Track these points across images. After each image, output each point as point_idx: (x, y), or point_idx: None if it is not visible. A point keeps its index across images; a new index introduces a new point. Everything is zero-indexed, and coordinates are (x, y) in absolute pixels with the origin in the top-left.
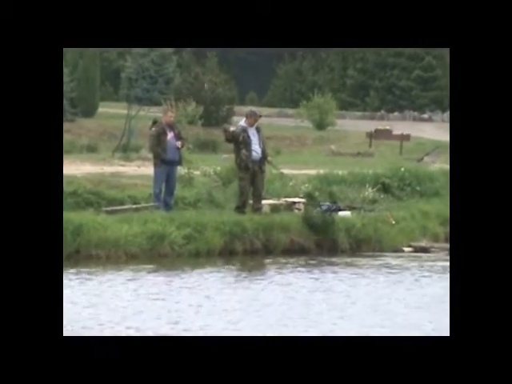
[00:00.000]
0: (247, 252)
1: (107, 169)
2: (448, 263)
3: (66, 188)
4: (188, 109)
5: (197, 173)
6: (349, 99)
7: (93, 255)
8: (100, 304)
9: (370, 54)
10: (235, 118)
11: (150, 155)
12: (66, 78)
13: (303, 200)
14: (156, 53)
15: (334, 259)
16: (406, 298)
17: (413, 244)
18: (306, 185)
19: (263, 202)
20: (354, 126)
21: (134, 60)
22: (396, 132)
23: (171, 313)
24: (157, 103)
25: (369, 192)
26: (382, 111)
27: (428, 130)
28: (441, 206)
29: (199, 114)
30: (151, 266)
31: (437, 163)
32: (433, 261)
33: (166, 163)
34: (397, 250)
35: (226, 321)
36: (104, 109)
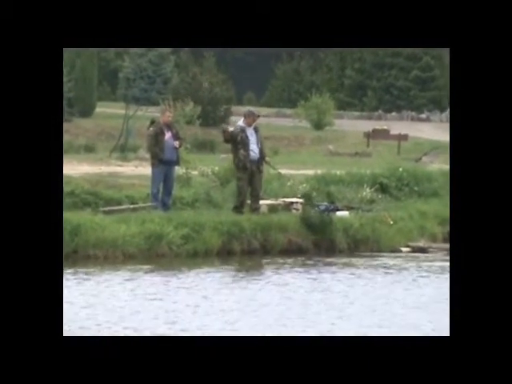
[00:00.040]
0: (245, 252)
1: (105, 169)
2: (446, 263)
3: (64, 188)
4: (186, 109)
5: (195, 173)
6: (347, 99)
7: (90, 255)
8: (97, 304)
9: (368, 54)
10: (233, 118)
11: (148, 155)
12: (63, 78)
13: (301, 200)
14: (154, 53)
15: (331, 259)
16: (404, 298)
17: (411, 244)
18: (304, 185)
19: (261, 202)
20: (352, 125)
21: (131, 60)
22: (394, 132)
23: (168, 313)
24: (155, 103)
25: (367, 192)
26: (380, 111)
27: (426, 130)
28: (439, 207)
29: (197, 114)
30: (149, 266)
31: (435, 163)
32: (431, 261)
33: (163, 163)
34: (395, 250)
35: (224, 321)
36: (102, 109)
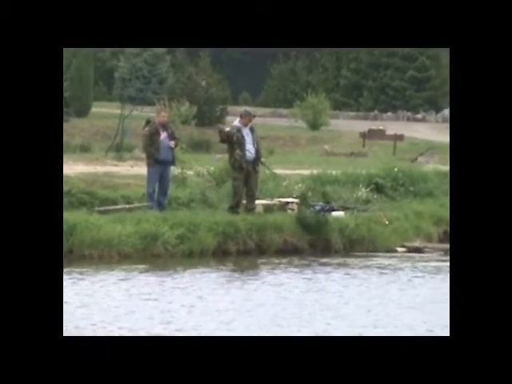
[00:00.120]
0: (240, 252)
1: (100, 169)
2: (441, 264)
3: None
4: (181, 109)
5: (190, 173)
6: (342, 99)
7: (86, 255)
8: (92, 304)
9: (364, 54)
10: (229, 118)
11: (144, 155)
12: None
13: (297, 200)
14: (149, 53)
15: (327, 259)
16: (399, 299)
17: (406, 244)
18: (300, 185)
19: (257, 202)
20: (348, 126)
21: (127, 60)
22: (389, 132)
23: (164, 313)
24: (150, 103)
25: (362, 192)
26: (376, 111)
27: (422, 130)
28: (434, 207)
29: (193, 114)
30: (144, 266)
31: (430, 163)
32: (426, 261)
33: (159, 163)
34: (390, 250)
35: (219, 321)
36: (97, 108)
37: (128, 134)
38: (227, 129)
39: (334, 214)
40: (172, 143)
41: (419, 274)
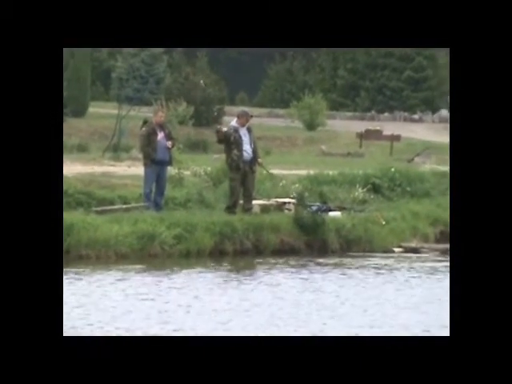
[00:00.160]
0: (237, 252)
1: (97, 169)
2: (437, 264)
3: None
4: (179, 109)
5: (187, 173)
6: (339, 99)
7: (83, 255)
8: (89, 304)
9: (361, 54)
10: (226, 119)
11: (141, 155)
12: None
13: (293, 200)
14: (146, 53)
15: (324, 259)
16: (396, 299)
17: (403, 244)
18: (297, 185)
19: (253, 202)
20: (345, 126)
21: (124, 60)
22: (386, 132)
23: (161, 313)
24: (147, 103)
25: (359, 192)
26: (373, 112)
27: (418, 130)
28: (431, 207)
29: (190, 114)
30: (141, 266)
31: (427, 164)
32: (422, 261)
33: (156, 163)
34: (387, 250)
35: (216, 321)
36: (94, 109)
37: (125, 134)
38: (224, 129)
39: (331, 214)
40: (169, 143)
41: (416, 275)
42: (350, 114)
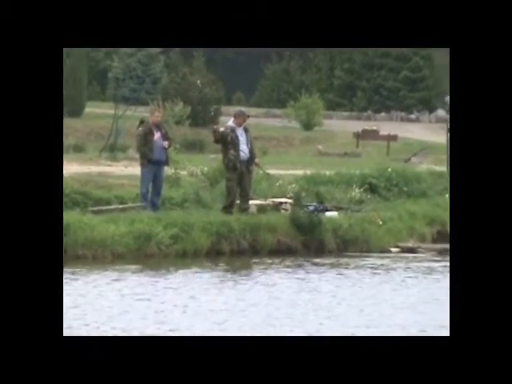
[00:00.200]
0: (234, 252)
1: (94, 169)
2: (434, 264)
3: None
4: (175, 109)
5: (184, 173)
6: (336, 99)
7: (79, 255)
8: (85, 304)
9: (357, 54)
10: (223, 119)
11: (137, 155)
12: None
13: (290, 200)
14: (143, 53)
15: (320, 260)
16: (392, 299)
17: (400, 244)
18: (293, 185)
19: (250, 202)
20: (341, 126)
21: (120, 60)
22: (383, 132)
23: (157, 313)
24: (144, 103)
25: (356, 192)
26: (369, 111)
27: (415, 130)
28: (428, 207)
29: (186, 114)
30: (137, 266)
31: (424, 164)
32: (419, 261)
33: (152, 163)
34: (384, 250)
35: (212, 321)
36: (91, 108)
37: (122, 134)
38: (221, 129)
39: (328, 214)
40: (166, 143)
41: (412, 275)
42: (346, 113)
